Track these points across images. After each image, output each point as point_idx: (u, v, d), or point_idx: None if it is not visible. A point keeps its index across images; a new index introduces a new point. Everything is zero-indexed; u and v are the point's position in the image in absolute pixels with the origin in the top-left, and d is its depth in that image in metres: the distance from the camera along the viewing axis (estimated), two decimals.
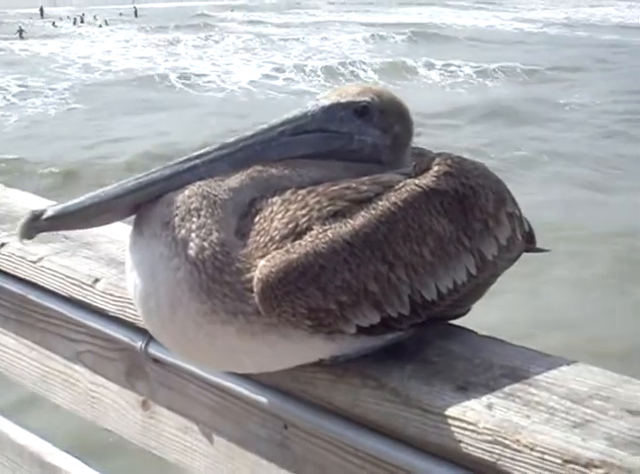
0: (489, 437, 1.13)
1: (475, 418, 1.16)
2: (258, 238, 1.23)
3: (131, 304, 1.54)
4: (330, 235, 1.21)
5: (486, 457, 1.13)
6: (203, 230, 1.21)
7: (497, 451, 1.12)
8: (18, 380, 1.93)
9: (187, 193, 1.24)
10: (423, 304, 1.28)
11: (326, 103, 1.37)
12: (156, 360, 1.60)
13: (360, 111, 1.37)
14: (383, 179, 1.30)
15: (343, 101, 1.37)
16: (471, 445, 1.15)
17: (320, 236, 1.20)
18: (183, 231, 1.21)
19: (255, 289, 1.19)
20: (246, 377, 1.43)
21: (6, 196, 2.19)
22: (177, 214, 1.22)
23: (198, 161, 1.29)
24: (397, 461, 1.23)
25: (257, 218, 1.24)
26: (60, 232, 1.87)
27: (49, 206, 1.24)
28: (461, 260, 1.31)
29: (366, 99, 1.37)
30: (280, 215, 1.24)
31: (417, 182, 1.30)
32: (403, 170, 1.35)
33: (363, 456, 1.29)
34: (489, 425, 1.14)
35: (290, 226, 1.22)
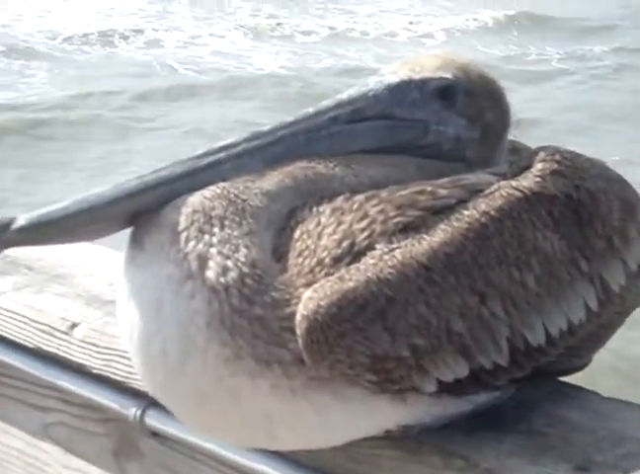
0: None
1: None
2: (301, 260, 1.23)
3: (123, 357, 1.55)
4: (399, 256, 1.21)
5: None
6: (228, 245, 1.22)
7: None
8: None
9: (207, 194, 1.26)
10: (526, 351, 1.27)
11: (393, 79, 1.38)
12: (156, 434, 1.61)
13: (439, 91, 1.38)
14: (469, 181, 1.31)
15: (416, 77, 1.38)
16: None
17: (385, 257, 1.21)
18: (200, 245, 1.22)
19: (298, 330, 1.19)
20: (281, 456, 1.43)
21: None
22: (192, 223, 1.23)
23: (221, 155, 1.31)
24: None
25: (299, 233, 1.25)
26: (21, 260, 1.88)
27: (21, 215, 1.26)
28: (577, 290, 1.31)
29: (448, 76, 1.38)
30: (330, 230, 1.24)
31: (515, 184, 1.30)
32: (495, 169, 1.36)
33: None
34: None
35: (345, 244, 1.23)
